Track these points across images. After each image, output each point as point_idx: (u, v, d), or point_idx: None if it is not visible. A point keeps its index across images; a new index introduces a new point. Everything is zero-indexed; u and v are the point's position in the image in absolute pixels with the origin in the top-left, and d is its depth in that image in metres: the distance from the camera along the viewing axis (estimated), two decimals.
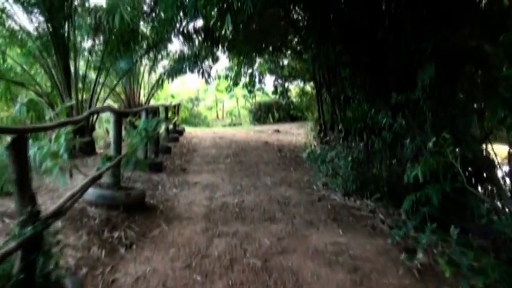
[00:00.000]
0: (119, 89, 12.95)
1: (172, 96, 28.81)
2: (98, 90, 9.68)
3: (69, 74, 8.85)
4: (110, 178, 4.48)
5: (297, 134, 15.93)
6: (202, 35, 9.55)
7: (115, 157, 4.35)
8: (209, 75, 12.55)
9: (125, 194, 4.30)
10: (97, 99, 9.74)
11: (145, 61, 12.58)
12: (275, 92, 24.34)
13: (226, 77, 22.40)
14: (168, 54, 12.39)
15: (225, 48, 10.34)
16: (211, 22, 6.87)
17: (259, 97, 29.16)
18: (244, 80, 23.31)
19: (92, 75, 10.09)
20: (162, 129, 10.75)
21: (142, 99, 15.12)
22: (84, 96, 9.46)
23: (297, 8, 10.56)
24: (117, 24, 6.94)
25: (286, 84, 23.74)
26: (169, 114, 12.23)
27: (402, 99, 4.32)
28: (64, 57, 8.70)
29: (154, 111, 7.64)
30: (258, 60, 17.22)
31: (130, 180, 4.95)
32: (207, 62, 12.67)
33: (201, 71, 12.50)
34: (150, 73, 15.25)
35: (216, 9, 6.30)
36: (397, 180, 5.29)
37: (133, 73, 11.80)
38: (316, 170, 6.19)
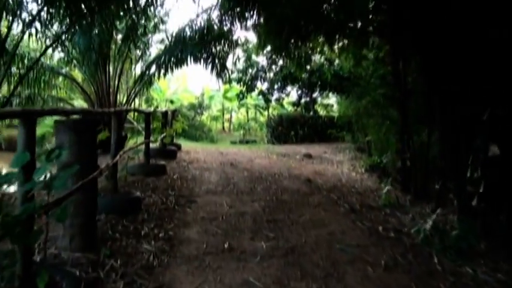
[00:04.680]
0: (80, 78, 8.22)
1: (172, 102, 24.10)
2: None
3: None
4: None
5: (338, 162, 11.16)
6: None
7: None
8: (223, 67, 7.84)
9: None
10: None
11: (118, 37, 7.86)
12: (297, 103, 19.61)
13: (239, 80, 17.81)
14: (155, 26, 7.67)
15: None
16: None
17: (272, 109, 24.51)
18: (261, 86, 18.71)
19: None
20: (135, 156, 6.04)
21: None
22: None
23: None
24: None
25: (315, 95, 19.14)
26: (154, 124, 7.50)
27: None
28: None
29: (82, 126, 2.82)
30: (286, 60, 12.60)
31: None
32: (220, 47, 8.03)
33: (210, 60, 7.85)
34: (133, 60, 10.62)
35: None
36: None
37: (95, 50, 7.04)
38: None
